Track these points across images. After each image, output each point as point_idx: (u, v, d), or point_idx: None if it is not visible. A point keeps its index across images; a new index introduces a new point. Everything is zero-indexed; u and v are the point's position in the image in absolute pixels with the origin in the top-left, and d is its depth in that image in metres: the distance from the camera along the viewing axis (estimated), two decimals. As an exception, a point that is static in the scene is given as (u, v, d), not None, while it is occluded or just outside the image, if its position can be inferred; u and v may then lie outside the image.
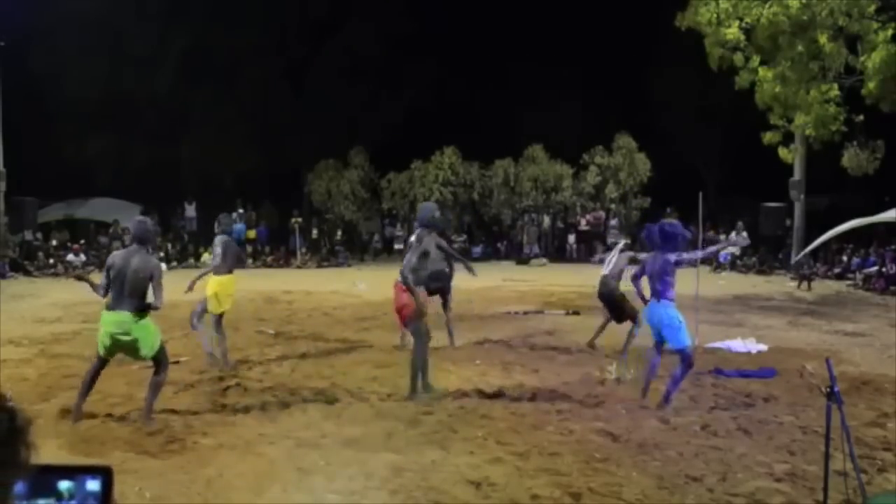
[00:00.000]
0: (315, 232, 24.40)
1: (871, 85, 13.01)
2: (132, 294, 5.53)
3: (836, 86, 13.69)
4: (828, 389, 3.84)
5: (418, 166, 24.21)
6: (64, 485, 1.24)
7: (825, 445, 3.88)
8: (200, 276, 7.79)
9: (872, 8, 13.10)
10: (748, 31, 14.15)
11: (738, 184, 24.74)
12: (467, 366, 7.80)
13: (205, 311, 7.76)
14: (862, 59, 13.31)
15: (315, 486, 4.45)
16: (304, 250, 23.10)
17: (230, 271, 7.85)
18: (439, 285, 8.62)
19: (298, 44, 26.54)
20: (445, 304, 9.01)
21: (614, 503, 4.26)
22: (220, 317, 7.81)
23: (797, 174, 19.73)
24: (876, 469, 4.78)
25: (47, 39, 21.84)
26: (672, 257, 6.19)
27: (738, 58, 14.46)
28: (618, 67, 25.66)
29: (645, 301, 6.63)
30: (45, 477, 1.23)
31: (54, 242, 20.49)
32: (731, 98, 17.00)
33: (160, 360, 5.73)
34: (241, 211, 22.66)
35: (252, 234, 23.37)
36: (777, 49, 13.76)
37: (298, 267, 21.74)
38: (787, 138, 15.38)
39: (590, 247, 23.94)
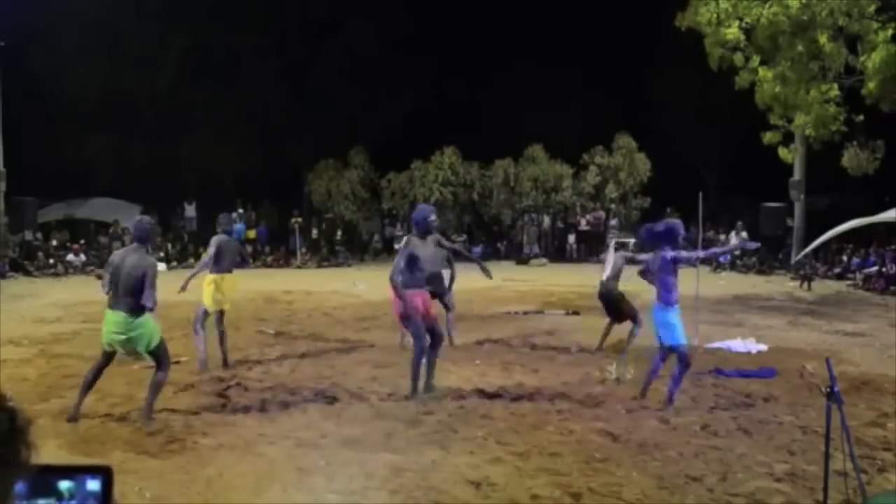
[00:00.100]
0: (315, 232, 24.39)
1: (871, 85, 13.01)
2: (128, 293, 5.54)
3: (836, 86, 13.69)
4: (828, 389, 3.84)
5: (418, 166, 24.21)
6: (64, 485, 1.24)
7: (825, 445, 3.88)
8: (193, 276, 7.80)
9: (872, 8, 13.10)
10: (748, 31, 14.15)
11: (738, 184, 24.75)
12: (467, 366, 7.79)
13: (206, 314, 7.74)
14: (862, 59, 13.31)
15: (315, 486, 4.45)
16: (304, 250, 23.10)
17: (229, 270, 7.84)
18: (431, 288, 8.58)
19: (298, 44, 26.55)
20: (445, 306, 8.99)
21: (614, 503, 4.26)
22: (221, 315, 7.82)
23: (797, 174, 19.74)
24: (876, 469, 4.78)
25: (47, 39, 21.84)
26: (669, 254, 6.18)
27: (738, 58, 14.46)
28: (618, 67, 25.67)
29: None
30: (46, 477, 1.23)
31: (54, 242, 20.48)
32: (731, 98, 17.01)
33: (160, 359, 5.73)
34: (241, 211, 22.66)
35: (252, 234, 23.36)
36: (777, 49, 13.77)
37: (298, 267, 21.74)
38: (787, 138, 15.38)
39: (590, 247, 23.95)
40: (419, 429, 5.57)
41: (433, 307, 6.70)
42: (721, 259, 20.07)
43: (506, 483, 4.50)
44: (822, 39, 13.24)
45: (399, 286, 6.31)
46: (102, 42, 22.79)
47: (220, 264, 7.77)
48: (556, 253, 24.61)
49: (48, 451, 3.93)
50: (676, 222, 6.57)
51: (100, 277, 6.29)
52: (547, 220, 25.63)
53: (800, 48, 13.47)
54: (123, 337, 5.59)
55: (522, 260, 23.05)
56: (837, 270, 18.43)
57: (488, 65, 26.53)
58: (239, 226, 20.93)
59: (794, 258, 18.95)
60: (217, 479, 4.54)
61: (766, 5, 13.39)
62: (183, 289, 7.58)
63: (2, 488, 1.14)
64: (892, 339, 9.49)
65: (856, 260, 18.13)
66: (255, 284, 14.08)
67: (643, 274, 6.76)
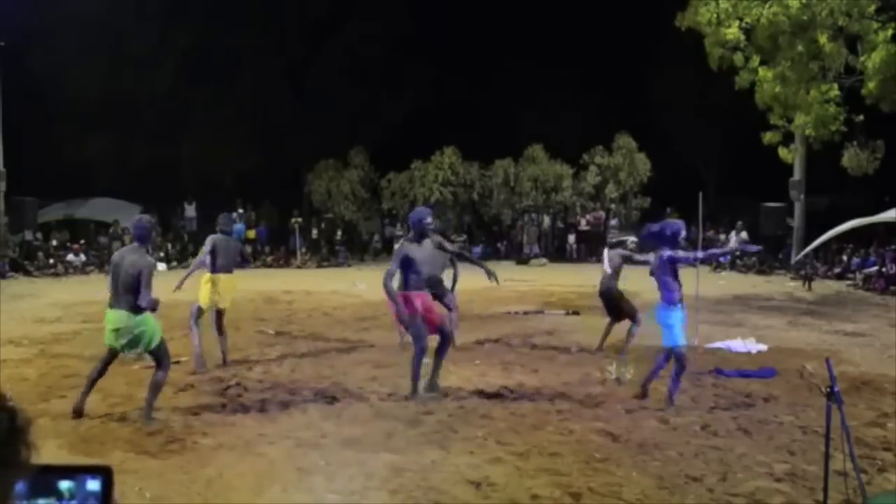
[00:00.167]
0: (315, 232, 24.39)
1: (871, 85, 13.01)
2: (127, 291, 5.57)
3: (836, 86, 13.69)
4: (828, 389, 3.84)
5: (418, 166, 24.20)
6: (64, 484, 1.24)
7: (825, 445, 3.88)
8: (188, 275, 7.85)
9: (872, 8, 13.10)
10: (748, 31, 14.15)
11: (738, 184, 24.74)
12: (467, 366, 7.79)
13: (200, 311, 7.77)
14: (862, 59, 13.31)
15: (315, 486, 4.45)
16: (304, 250, 23.10)
17: (228, 270, 7.85)
18: (430, 290, 8.57)
19: (298, 44, 26.55)
20: (447, 307, 8.96)
21: (614, 503, 4.26)
22: (220, 315, 7.83)
23: (797, 174, 19.74)
24: (876, 469, 4.78)
25: (47, 39, 21.84)
26: (666, 255, 6.18)
27: (738, 58, 14.45)
28: (618, 67, 25.67)
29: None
30: (46, 477, 1.23)
31: (54, 242, 20.48)
32: (731, 98, 17.01)
33: (161, 359, 5.73)
34: (241, 211, 22.66)
35: (252, 234, 23.36)
36: (777, 49, 13.76)
37: (298, 267, 21.74)
38: (787, 138, 15.38)
39: (590, 247, 23.95)
40: (419, 429, 5.57)
41: (437, 308, 6.67)
42: (721, 259, 20.07)
43: (506, 483, 4.50)
44: (822, 39, 13.23)
45: (391, 291, 6.31)
46: (102, 42, 22.79)
47: (217, 263, 7.78)
48: (556, 253, 24.60)
49: (48, 451, 3.93)
50: (676, 223, 6.56)
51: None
52: (547, 220, 25.63)
53: (800, 48, 13.47)
54: (123, 335, 5.62)
55: (522, 260, 23.04)
56: (837, 270, 18.42)
57: (488, 65, 26.53)
58: (239, 226, 20.91)
59: (794, 258, 18.95)
60: (217, 479, 4.54)
61: (766, 5, 13.39)
62: (178, 287, 7.58)
63: (2, 488, 1.14)
64: (892, 339, 9.49)
65: (856, 260, 18.13)
66: (255, 284, 14.08)
67: (652, 274, 6.76)
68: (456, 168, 24.21)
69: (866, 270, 17.07)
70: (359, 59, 25.30)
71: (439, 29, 25.60)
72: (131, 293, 5.54)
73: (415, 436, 5.41)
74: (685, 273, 6.54)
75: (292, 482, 4.51)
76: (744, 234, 20.42)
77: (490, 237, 25.90)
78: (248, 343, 9.02)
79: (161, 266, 18.71)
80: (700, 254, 7.15)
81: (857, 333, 10.28)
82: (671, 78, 24.66)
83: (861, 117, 13.95)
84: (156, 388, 5.74)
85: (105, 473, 1.26)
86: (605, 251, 8.88)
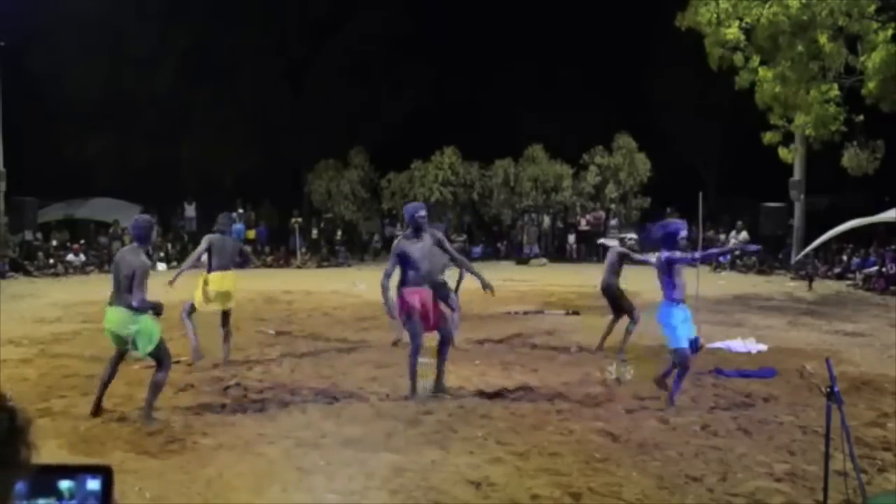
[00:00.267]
0: (315, 232, 24.38)
1: (871, 85, 13.01)
2: (123, 291, 5.61)
3: (836, 86, 13.69)
4: (828, 389, 3.84)
5: (418, 166, 24.19)
6: (64, 484, 1.24)
7: (825, 445, 3.88)
8: (180, 272, 7.93)
9: (872, 8, 13.11)
10: (748, 31, 14.15)
11: (738, 184, 24.73)
12: (467, 366, 7.79)
13: (192, 308, 7.81)
14: (862, 59, 13.31)
15: (315, 486, 4.45)
16: (304, 250, 23.10)
17: (225, 269, 7.86)
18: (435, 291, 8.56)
19: (298, 44, 26.54)
20: (450, 307, 8.94)
21: (614, 503, 4.26)
22: (226, 316, 7.86)
23: (797, 174, 19.73)
24: (876, 469, 4.78)
25: (47, 39, 21.84)
26: (664, 255, 6.22)
27: (738, 58, 14.46)
28: (617, 67, 25.66)
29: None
30: (46, 476, 1.23)
31: (54, 242, 20.48)
32: (731, 98, 17.00)
33: (161, 359, 5.74)
34: (241, 211, 22.66)
35: (252, 234, 23.35)
36: (777, 49, 13.77)
37: (298, 267, 21.74)
38: (787, 138, 15.38)
39: (590, 247, 23.95)
40: (419, 429, 5.57)
41: (437, 306, 6.64)
42: (721, 259, 20.07)
43: (506, 483, 4.49)
44: (822, 39, 13.24)
45: (385, 290, 6.36)
46: (102, 42, 22.78)
47: (214, 263, 7.81)
48: (556, 253, 24.59)
49: (48, 451, 3.93)
50: (675, 223, 6.57)
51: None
52: (547, 220, 25.62)
53: (800, 48, 13.47)
54: (120, 333, 5.65)
55: (522, 260, 23.04)
56: (837, 270, 18.42)
57: (488, 65, 26.51)
58: (239, 226, 20.94)
59: (794, 258, 18.95)
60: (217, 479, 4.54)
61: (766, 5, 13.39)
62: (171, 283, 7.57)
63: (2, 488, 1.14)
64: (892, 339, 9.49)
65: (856, 260, 18.13)
66: (255, 284, 14.08)
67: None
68: (456, 168, 24.21)
69: (866, 270, 17.06)
70: (359, 59, 25.30)
71: (439, 29, 25.59)
72: (128, 293, 5.57)
73: (415, 436, 5.41)
74: (686, 273, 6.54)
75: (292, 482, 4.51)
76: (744, 234, 20.41)
77: (490, 237, 25.90)
78: (248, 343, 9.02)
79: (161, 266, 18.72)
80: (698, 254, 7.16)
81: (857, 333, 10.27)
82: (671, 78, 24.65)
83: (861, 117, 13.96)
84: (156, 388, 5.74)
85: (105, 473, 1.26)
86: (605, 241, 8.98)
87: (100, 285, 11.44)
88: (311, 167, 25.32)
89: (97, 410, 5.79)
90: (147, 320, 5.63)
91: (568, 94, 26.08)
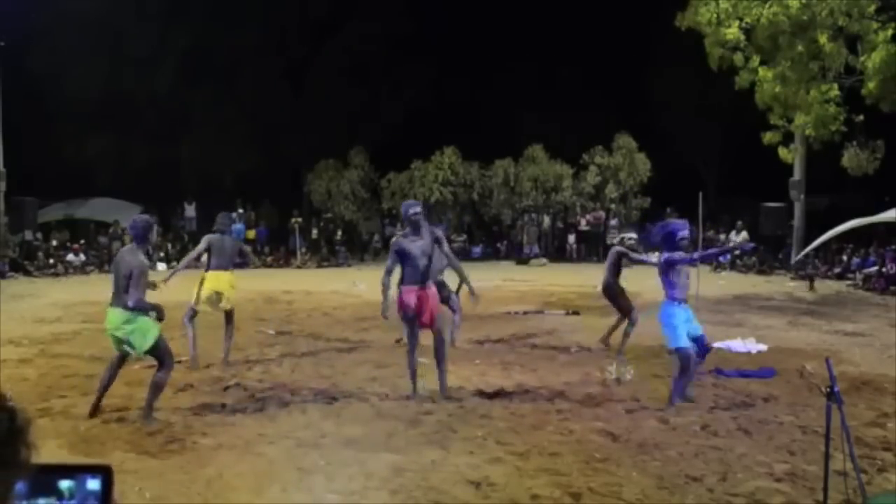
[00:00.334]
0: (315, 232, 24.38)
1: (871, 85, 13.01)
2: (122, 291, 5.61)
3: (836, 86, 13.69)
4: (828, 389, 3.84)
5: (418, 166, 24.20)
6: (64, 484, 1.24)
7: (825, 445, 3.88)
8: (175, 272, 8.01)
9: (872, 8, 13.10)
10: (748, 31, 14.15)
11: (738, 184, 24.73)
12: (467, 365, 7.79)
13: (193, 310, 7.80)
14: (862, 59, 13.31)
15: (315, 486, 4.45)
16: (304, 250, 23.10)
17: (224, 269, 7.86)
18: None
19: (298, 44, 26.55)
20: (451, 309, 8.93)
21: (614, 503, 4.26)
22: (228, 316, 7.86)
23: (797, 174, 19.73)
24: (876, 469, 4.78)
25: (47, 39, 21.84)
26: (663, 256, 6.25)
27: (738, 58, 14.45)
28: (617, 67, 25.67)
29: None
30: (46, 476, 1.23)
31: (54, 242, 20.49)
32: (731, 98, 17.00)
33: (161, 358, 5.73)
34: (240, 211, 22.66)
35: (252, 234, 23.35)
36: (777, 49, 13.76)
37: (298, 267, 21.74)
38: (787, 138, 15.38)
39: (590, 247, 23.95)
40: (419, 429, 5.57)
41: (434, 306, 6.60)
42: (721, 259, 20.07)
43: (506, 483, 4.49)
44: (822, 39, 13.24)
45: (386, 287, 6.42)
46: (102, 42, 22.79)
47: (212, 263, 7.82)
48: (556, 253, 24.59)
49: (48, 451, 3.93)
50: (675, 223, 6.57)
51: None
52: (547, 220, 25.62)
53: (800, 48, 13.46)
54: (118, 333, 5.66)
55: (522, 260, 23.04)
56: (837, 270, 18.42)
57: (488, 65, 26.51)
58: (239, 226, 20.94)
59: (794, 258, 18.95)
60: (217, 479, 4.54)
61: (766, 5, 13.39)
62: (165, 281, 7.55)
63: (2, 488, 1.14)
64: (892, 339, 9.49)
65: (856, 260, 18.13)
66: (255, 284, 14.08)
67: None
68: (456, 168, 24.21)
69: (866, 270, 17.06)
70: (359, 59, 25.30)
71: (439, 29, 25.60)
72: (126, 293, 5.58)
73: (415, 436, 5.41)
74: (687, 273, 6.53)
75: (292, 482, 4.51)
76: (744, 234, 20.41)
77: (490, 237, 25.90)
78: (248, 343, 9.01)
79: (161, 266, 18.73)
80: (696, 254, 7.17)
81: (857, 333, 10.27)
82: (671, 78, 24.65)
83: (861, 117, 13.95)
84: (156, 388, 5.74)
85: (105, 473, 1.26)
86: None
87: (100, 285, 11.44)
88: (311, 167, 25.33)
89: (95, 411, 5.79)
90: (143, 320, 5.63)
91: (568, 94, 26.08)
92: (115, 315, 5.64)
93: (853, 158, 14.47)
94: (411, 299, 6.36)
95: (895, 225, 16.48)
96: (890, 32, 12.82)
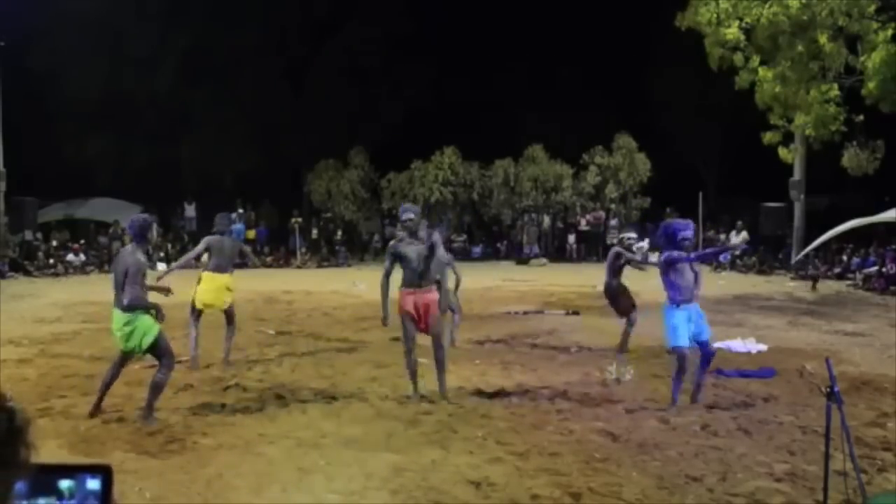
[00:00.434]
0: (315, 232, 24.39)
1: (871, 85, 13.01)
2: (120, 291, 5.64)
3: (836, 86, 13.70)
4: (828, 389, 3.84)
5: (418, 166, 24.20)
6: (64, 483, 1.24)
7: (825, 445, 3.88)
8: (170, 270, 8.06)
9: (872, 8, 13.11)
10: (748, 31, 14.16)
11: (738, 184, 24.73)
12: (467, 365, 7.79)
13: (193, 310, 7.80)
14: (862, 59, 13.31)
15: (315, 486, 4.45)
16: (304, 250, 23.10)
17: (224, 269, 7.86)
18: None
19: (298, 44, 26.55)
20: (451, 309, 8.92)
21: (614, 503, 4.26)
22: (228, 316, 7.86)
23: (797, 174, 19.73)
24: (876, 469, 4.77)
25: (47, 39, 21.85)
26: (663, 255, 6.26)
27: (738, 58, 14.46)
28: (617, 67, 25.67)
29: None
30: (46, 476, 1.23)
31: (54, 242, 20.49)
32: (731, 98, 17.01)
33: (162, 357, 5.73)
34: (240, 211, 22.67)
35: (252, 234, 23.35)
36: (777, 49, 13.77)
37: (298, 267, 21.74)
38: (787, 138, 15.38)
39: (590, 247, 23.95)
40: (419, 429, 5.57)
41: (431, 308, 6.58)
42: (721, 259, 20.07)
43: (506, 483, 4.49)
44: (822, 39, 13.24)
45: (383, 290, 6.46)
46: (102, 42, 22.80)
47: (212, 263, 7.83)
48: (556, 253, 24.60)
49: (48, 450, 3.93)
50: (677, 223, 6.55)
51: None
52: (547, 220, 25.62)
53: (800, 48, 13.47)
54: (118, 333, 5.67)
55: (522, 260, 23.04)
56: (837, 270, 18.42)
57: (488, 65, 26.51)
58: (239, 226, 20.95)
59: (794, 258, 18.95)
60: (217, 479, 4.54)
61: (766, 5, 13.40)
62: (159, 280, 7.54)
63: (2, 488, 1.14)
64: (892, 339, 9.48)
65: (856, 260, 18.12)
66: (255, 284, 14.08)
67: None
68: (456, 168, 24.21)
69: (866, 270, 17.06)
70: (359, 59, 25.31)
71: (439, 29, 25.60)
72: (123, 292, 5.59)
73: (415, 436, 5.40)
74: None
75: (292, 482, 4.51)
76: (744, 234, 20.40)
77: (490, 237, 25.90)
78: (248, 343, 9.01)
79: (161, 265, 18.72)
80: (693, 254, 7.14)
81: (857, 333, 10.27)
82: (671, 78, 24.66)
83: (861, 117, 13.96)
84: (156, 388, 5.73)
85: (105, 472, 1.26)
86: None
87: (100, 285, 11.46)
88: (311, 167, 25.33)
89: (96, 411, 5.79)
90: (142, 319, 5.63)
91: (568, 94, 26.08)
92: (116, 316, 5.67)
93: (853, 158, 14.47)
94: (409, 304, 6.38)
95: (895, 225, 16.48)
96: (890, 32, 12.83)
